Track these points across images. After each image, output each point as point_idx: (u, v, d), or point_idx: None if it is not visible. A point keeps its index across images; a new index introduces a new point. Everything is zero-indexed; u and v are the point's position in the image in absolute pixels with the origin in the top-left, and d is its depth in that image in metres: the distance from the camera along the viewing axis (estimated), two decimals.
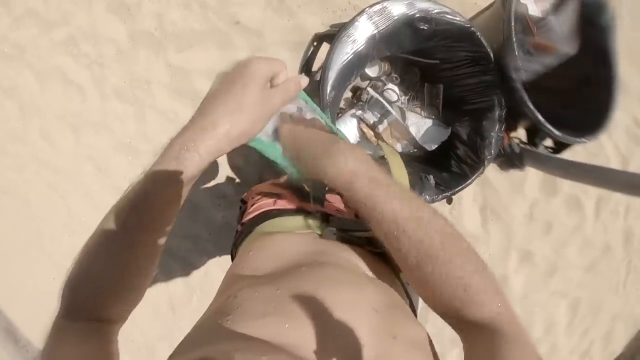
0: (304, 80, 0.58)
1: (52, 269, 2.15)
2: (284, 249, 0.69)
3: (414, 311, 0.78)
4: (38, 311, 2.16)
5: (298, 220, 0.80)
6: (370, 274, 0.67)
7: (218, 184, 2.03)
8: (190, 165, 0.49)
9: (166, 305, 2.16)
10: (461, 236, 0.55)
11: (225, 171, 2.01)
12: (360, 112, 1.35)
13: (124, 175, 2.06)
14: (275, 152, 0.61)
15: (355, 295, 0.55)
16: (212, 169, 2.02)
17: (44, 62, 2.03)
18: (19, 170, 2.09)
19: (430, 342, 0.54)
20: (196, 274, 2.14)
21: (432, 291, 0.55)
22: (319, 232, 0.76)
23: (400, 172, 0.89)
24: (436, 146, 1.40)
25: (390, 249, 0.57)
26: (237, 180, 2.00)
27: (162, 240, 0.53)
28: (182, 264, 2.12)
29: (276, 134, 0.62)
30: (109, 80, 2.00)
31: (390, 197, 0.54)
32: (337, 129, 0.65)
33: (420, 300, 0.85)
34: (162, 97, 1.98)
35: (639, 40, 1.95)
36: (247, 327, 0.46)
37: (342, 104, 1.41)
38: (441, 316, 0.58)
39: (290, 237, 0.75)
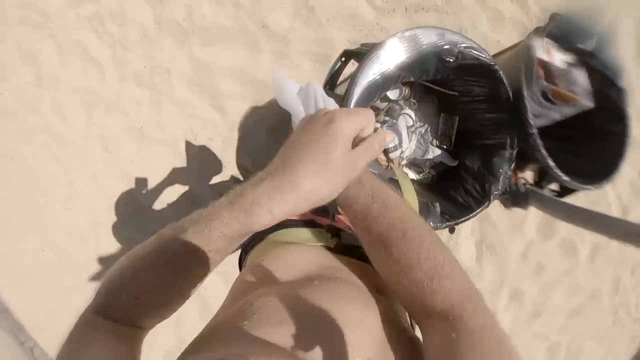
0: (389, 136, 0.55)
1: (44, 241, 2.15)
2: (298, 261, 0.71)
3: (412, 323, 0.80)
4: (24, 282, 2.16)
5: (309, 232, 0.81)
6: (376, 290, 0.68)
7: (223, 184, 2.04)
8: (259, 222, 0.47)
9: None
10: (429, 231, 0.56)
11: (231, 171, 2.02)
12: None
13: (130, 160, 2.07)
14: None
15: (364, 312, 0.57)
16: (218, 166, 2.03)
17: (67, 35, 2.03)
18: (26, 138, 2.09)
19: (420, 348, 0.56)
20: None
21: (396, 276, 0.55)
22: (331, 246, 0.78)
23: (410, 195, 0.91)
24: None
25: (379, 253, 0.57)
26: (242, 180, 2.01)
27: (207, 273, 0.53)
28: None
29: None
30: (129, 62, 2.01)
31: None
32: None
33: None
34: (181, 89, 1.99)
35: None
36: (262, 334, 0.48)
37: None
38: (405, 305, 0.59)
39: (303, 249, 0.76)
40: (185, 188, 2.06)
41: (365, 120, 0.50)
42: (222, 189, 2.05)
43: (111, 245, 2.12)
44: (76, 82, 2.05)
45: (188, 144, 2.03)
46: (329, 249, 0.79)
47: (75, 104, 2.06)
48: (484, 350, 0.46)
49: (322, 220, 0.87)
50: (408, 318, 0.69)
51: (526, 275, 2.22)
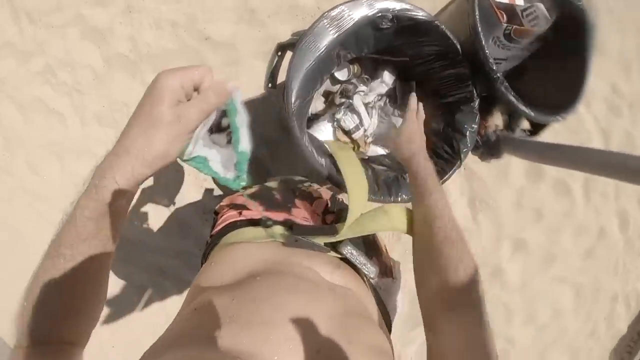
0: (232, 85, 0.53)
1: None
2: (242, 259, 0.70)
3: (387, 316, 0.78)
4: None
5: (260, 230, 0.80)
6: (331, 280, 0.66)
7: (204, 200, 2.03)
8: (108, 193, 0.47)
9: (164, 324, 2.14)
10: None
11: (208, 185, 2.01)
12: (339, 115, 1.35)
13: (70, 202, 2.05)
14: (198, 165, 0.55)
15: (310, 303, 0.55)
16: (196, 186, 2.02)
17: (24, 93, 2.03)
18: (6, 201, 2.09)
19: (392, 349, 0.55)
20: (188, 289, 2.11)
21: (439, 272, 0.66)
22: (282, 240, 0.76)
23: (350, 168, 0.90)
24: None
25: (424, 240, 0.74)
26: (222, 194, 2.00)
27: (104, 265, 0.53)
28: (176, 281, 2.11)
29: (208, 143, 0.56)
30: (88, 106, 2.00)
31: (445, 201, 0.78)
32: (241, 153, 0.55)
33: (399, 308, 0.86)
34: None
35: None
36: (205, 338, 0.47)
37: (316, 110, 1.41)
38: (423, 303, 0.67)
39: (249, 247, 0.75)
40: (171, 214, 2.05)
41: (196, 73, 0.50)
42: (204, 206, 2.04)
43: (113, 287, 2.11)
44: (42, 136, 2.05)
45: (163, 172, 2.01)
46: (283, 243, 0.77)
47: (46, 158, 2.06)
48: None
49: (278, 216, 0.86)
50: (376, 313, 0.68)
51: (526, 224, 2.19)
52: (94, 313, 0.55)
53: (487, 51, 1.11)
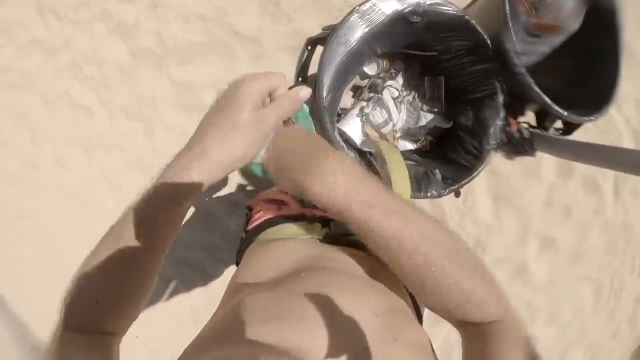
0: (304, 93, 0.55)
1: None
2: (285, 256, 0.70)
3: (419, 312, 0.78)
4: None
5: (299, 226, 0.80)
6: (371, 277, 0.66)
7: (230, 193, 2.04)
8: (183, 192, 0.49)
9: (189, 316, 2.18)
10: (463, 245, 0.54)
11: (237, 179, 2.02)
12: (368, 110, 1.34)
13: (137, 192, 2.08)
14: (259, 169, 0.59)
15: (356, 300, 0.55)
16: (223, 179, 2.03)
17: (51, 88, 2.07)
18: (35, 195, 2.13)
19: (431, 344, 0.54)
20: (215, 283, 2.15)
21: (434, 301, 0.54)
22: (320, 237, 0.76)
23: (398, 168, 0.88)
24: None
25: (391, 265, 0.55)
26: (249, 187, 2.01)
27: (156, 261, 0.54)
28: (201, 274, 2.13)
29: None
30: (115, 100, 2.02)
31: (389, 216, 0.50)
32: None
33: None
34: (169, 113, 1.99)
35: None
36: (251, 334, 0.47)
37: (344, 104, 1.40)
38: (443, 317, 0.57)
39: (290, 244, 0.75)
40: (195, 207, 2.07)
41: (274, 80, 0.52)
42: (230, 199, 2.05)
43: None
44: (69, 130, 2.09)
45: None
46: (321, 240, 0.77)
47: (73, 152, 2.09)
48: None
49: (313, 212, 0.86)
50: (411, 304, 0.67)
51: (555, 221, 2.15)
52: (140, 305, 0.56)
53: (511, 46, 1.10)
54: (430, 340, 0.55)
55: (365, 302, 0.55)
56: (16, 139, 2.11)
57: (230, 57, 1.92)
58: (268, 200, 0.95)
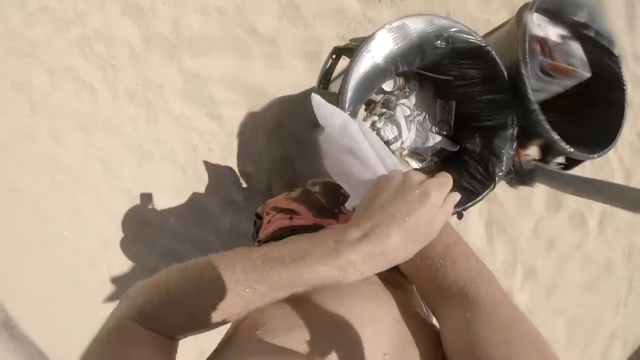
0: (458, 197, 0.54)
1: (55, 268, 2.16)
2: None
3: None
4: (39, 310, 2.17)
5: None
6: (386, 283, 0.68)
7: (227, 190, 2.03)
8: (349, 279, 0.48)
9: None
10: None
11: (234, 177, 2.02)
12: (380, 125, 1.36)
13: (132, 178, 2.07)
14: None
15: (376, 307, 0.57)
16: (221, 175, 2.03)
17: (56, 61, 2.03)
18: (27, 167, 2.09)
19: (439, 337, 0.56)
20: None
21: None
22: None
23: None
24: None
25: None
26: (245, 186, 2.01)
27: (232, 314, 0.52)
28: None
29: None
30: (121, 82, 2.00)
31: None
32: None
33: None
34: (174, 102, 1.98)
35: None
36: (275, 341, 0.48)
37: (356, 117, 1.42)
38: (421, 291, 0.63)
39: None
40: (190, 200, 2.06)
41: (448, 189, 0.52)
42: (226, 196, 2.04)
43: (123, 265, 2.13)
44: (70, 106, 2.05)
45: (188, 157, 2.02)
46: None
47: (71, 129, 2.06)
48: (499, 327, 0.47)
49: (327, 222, 0.86)
50: (424, 309, 0.69)
51: (538, 252, 2.22)
52: (212, 329, 0.55)
53: (528, 82, 1.14)
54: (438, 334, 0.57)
55: (384, 308, 0.57)
56: (14, 107, 2.07)
57: (244, 54, 1.92)
58: (278, 209, 0.96)
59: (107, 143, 2.05)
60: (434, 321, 0.61)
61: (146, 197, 2.06)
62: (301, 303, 0.55)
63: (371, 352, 0.48)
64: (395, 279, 0.70)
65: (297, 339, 0.48)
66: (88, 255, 2.13)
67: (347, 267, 0.47)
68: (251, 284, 0.47)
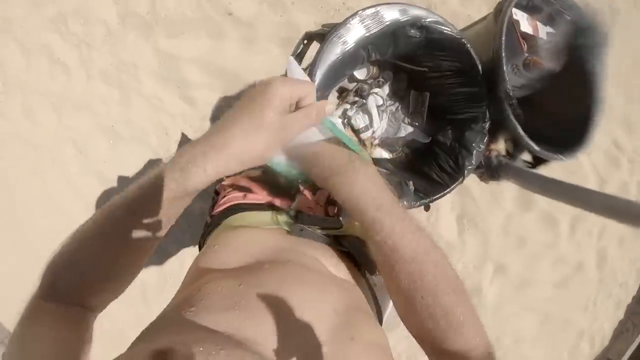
0: (329, 108, 0.55)
1: (25, 248, 2.12)
2: (249, 244, 0.69)
3: (380, 313, 0.79)
4: (8, 295, 2.13)
5: (266, 215, 0.80)
6: (334, 273, 0.67)
7: None
8: (194, 179, 0.48)
9: (138, 294, 2.13)
10: (450, 265, 0.55)
11: None
12: (351, 113, 1.35)
13: (104, 160, 2.04)
14: (290, 171, 0.57)
15: (316, 296, 0.56)
16: None
17: (31, 38, 1.99)
18: None
19: (388, 345, 0.55)
20: (171, 265, 2.12)
21: (415, 317, 0.55)
22: (287, 229, 0.76)
23: None
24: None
25: (384, 273, 0.56)
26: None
27: (154, 242, 0.53)
28: (157, 253, 2.06)
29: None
30: (96, 61, 1.97)
31: (396, 222, 0.52)
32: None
33: (390, 304, 0.86)
34: (148, 83, 1.96)
35: (627, 65, 2.00)
36: (208, 320, 0.46)
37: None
38: (419, 342, 0.58)
39: (256, 233, 0.75)
40: None
41: (303, 89, 0.52)
42: None
43: None
44: (43, 84, 2.01)
45: (160, 139, 2.00)
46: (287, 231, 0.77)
47: (43, 107, 2.02)
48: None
49: (283, 202, 0.85)
50: (373, 303, 0.68)
51: (509, 249, 2.23)
52: (126, 284, 0.57)
53: (507, 78, 1.13)
54: (388, 343, 0.56)
55: (325, 299, 0.56)
56: None
57: (219, 37, 1.90)
58: (234, 186, 0.94)
59: (79, 123, 2.02)
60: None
61: (117, 180, 2.04)
62: (240, 283, 0.54)
63: (307, 340, 0.48)
64: (348, 272, 0.70)
65: (232, 319, 0.47)
66: (59, 238, 2.08)
67: (187, 165, 0.48)
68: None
